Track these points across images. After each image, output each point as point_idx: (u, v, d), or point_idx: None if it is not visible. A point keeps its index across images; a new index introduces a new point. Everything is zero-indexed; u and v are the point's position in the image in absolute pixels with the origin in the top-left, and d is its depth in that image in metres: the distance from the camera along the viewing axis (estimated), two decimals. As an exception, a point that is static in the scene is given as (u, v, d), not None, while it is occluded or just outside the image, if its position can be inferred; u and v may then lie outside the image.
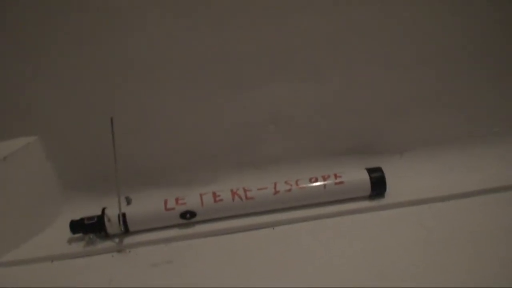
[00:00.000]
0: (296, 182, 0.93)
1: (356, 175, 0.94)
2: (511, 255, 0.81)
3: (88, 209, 0.92)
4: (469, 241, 0.85)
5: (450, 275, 0.79)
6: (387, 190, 0.94)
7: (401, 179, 0.96)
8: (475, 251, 0.83)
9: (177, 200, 0.91)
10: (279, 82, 0.96)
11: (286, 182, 0.93)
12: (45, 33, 0.86)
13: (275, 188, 0.92)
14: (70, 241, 0.92)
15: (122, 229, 0.90)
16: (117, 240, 0.91)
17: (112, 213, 0.90)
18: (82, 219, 0.91)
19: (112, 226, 0.90)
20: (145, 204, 0.92)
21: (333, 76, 0.96)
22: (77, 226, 0.90)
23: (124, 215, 0.90)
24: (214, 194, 0.92)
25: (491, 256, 0.81)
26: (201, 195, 0.92)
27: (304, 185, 0.93)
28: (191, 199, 0.92)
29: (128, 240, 0.91)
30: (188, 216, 0.91)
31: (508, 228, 0.87)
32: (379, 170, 0.94)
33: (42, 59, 0.88)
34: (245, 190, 0.92)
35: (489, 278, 0.77)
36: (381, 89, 0.99)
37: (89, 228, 0.90)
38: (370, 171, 0.94)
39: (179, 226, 0.93)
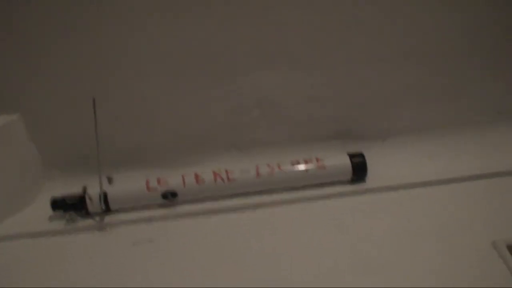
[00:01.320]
0: (278, 165, 0.94)
1: (338, 160, 0.95)
2: (488, 241, 0.82)
3: (69, 188, 0.92)
4: (447, 227, 0.86)
5: (428, 260, 0.80)
6: (368, 175, 0.95)
7: (382, 165, 0.97)
8: (452, 237, 0.84)
9: (159, 180, 0.92)
10: (265, 70, 0.96)
11: (268, 165, 0.93)
12: (29, 11, 0.86)
13: (257, 170, 0.93)
14: (51, 218, 0.92)
15: (103, 208, 0.90)
16: (98, 218, 0.91)
17: (94, 192, 0.90)
18: (63, 197, 0.90)
19: (93, 204, 0.90)
20: (127, 184, 0.92)
21: (318, 64, 0.97)
22: (58, 204, 0.90)
23: (105, 194, 0.90)
24: (196, 175, 0.92)
25: (469, 241, 0.83)
26: (183, 176, 0.92)
27: (286, 168, 0.93)
28: (173, 180, 0.92)
29: (109, 218, 0.91)
30: (169, 197, 0.91)
31: (486, 215, 0.88)
32: (360, 155, 0.95)
33: (25, 39, 0.88)
34: (227, 172, 0.93)
35: (467, 264, 0.79)
36: (365, 78, 0.99)
37: (70, 206, 0.90)
38: (351, 156, 0.95)
39: (160, 206, 0.93)
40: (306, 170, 0.93)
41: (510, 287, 0.74)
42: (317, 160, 0.94)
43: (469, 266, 0.79)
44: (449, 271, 0.78)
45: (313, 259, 0.82)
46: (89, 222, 0.91)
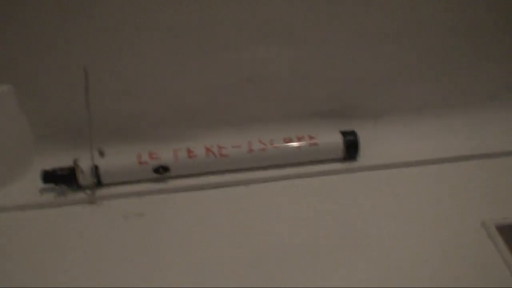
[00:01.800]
0: (271, 141, 0.94)
1: (330, 137, 0.95)
2: (477, 221, 0.83)
3: (61, 161, 0.91)
4: (437, 206, 0.87)
5: (416, 239, 0.81)
6: (360, 153, 0.96)
7: (374, 144, 0.98)
8: (442, 216, 0.85)
9: (150, 154, 0.91)
10: (259, 45, 0.95)
11: (260, 141, 0.93)
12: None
13: (249, 146, 0.93)
14: (42, 191, 0.91)
15: (95, 181, 0.89)
16: (89, 192, 0.91)
17: (85, 165, 0.89)
18: (54, 170, 0.90)
19: (85, 178, 0.89)
20: (119, 157, 0.92)
21: (313, 41, 0.96)
22: (49, 177, 0.90)
23: (96, 167, 0.89)
24: (188, 150, 0.92)
25: (458, 221, 0.84)
26: (175, 150, 0.92)
27: (278, 145, 0.94)
28: (165, 154, 0.92)
29: (100, 192, 0.91)
30: (161, 171, 0.91)
31: (476, 195, 0.89)
32: (353, 133, 0.95)
33: (16, 10, 0.86)
34: (219, 147, 0.92)
35: (455, 243, 0.80)
36: (359, 56, 0.99)
37: (61, 179, 0.90)
38: (344, 134, 0.95)
39: (152, 180, 0.93)
40: (299, 147, 0.93)
41: (498, 267, 0.76)
42: (310, 137, 0.94)
43: (457, 245, 0.80)
44: (437, 250, 0.79)
45: (303, 233, 0.83)
46: (80, 195, 0.91)
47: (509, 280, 0.74)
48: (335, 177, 0.94)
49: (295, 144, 0.94)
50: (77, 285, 0.75)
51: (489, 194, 0.89)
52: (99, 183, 0.91)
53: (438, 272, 0.75)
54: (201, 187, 0.93)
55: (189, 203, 0.90)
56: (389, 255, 0.78)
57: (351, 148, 0.95)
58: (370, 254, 0.79)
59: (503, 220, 0.82)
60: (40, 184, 0.90)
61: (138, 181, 0.93)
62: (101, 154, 0.91)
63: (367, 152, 0.96)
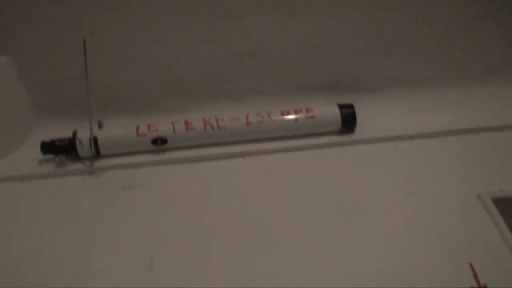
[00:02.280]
0: (268, 114, 0.94)
1: (328, 110, 0.95)
2: (473, 194, 0.84)
3: (60, 132, 0.92)
4: (433, 179, 0.88)
5: (412, 210, 0.82)
6: (357, 126, 0.96)
7: (371, 117, 0.98)
8: (438, 189, 0.86)
9: (149, 126, 0.92)
10: (257, 15, 0.95)
11: (258, 114, 0.94)
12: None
13: (247, 119, 0.93)
14: (40, 162, 0.92)
15: (93, 152, 0.90)
16: (88, 163, 0.92)
17: (84, 136, 0.90)
18: (53, 141, 0.91)
19: (83, 149, 0.90)
20: (117, 129, 0.93)
21: (311, 13, 0.96)
22: (48, 148, 0.90)
23: (95, 138, 0.90)
24: (186, 122, 0.92)
25: (454, 194, 0.84)
26: (173, 122, 0.92)
27: (276, 118, 0.94)
28: (163, 126, 0.92)
29: (99, 163, 0.92)
30: (159, 143, 0.91)
31: (472, 168, 0.90)
32: (350, 106, 0.96)
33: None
34: (217, 120, 0.93)
35: (451, 216, 0.81)
36: (358, 29, 0.99)
37: (60, 149, 0.90)
38: (341, 107, 0.95)
39: (150, 152, 0.93)
40: (296, 120, 0.94)
41: (494, 239, 0.76)
42: (307, 110, 0.94)
43: (453, 218, 0.81)
44: (433, 222, 0.80)
45: (299, 204, 0.84)
46: (79, 166, 0.91)
47: (504, 252, 0.75)
48: (332, 149, 0.95)
49: (292, 116, 0.94)
50: (76, 253, 0.77)
51: (486, 167, 0.90)
52: (97, 154, 0.91)
53: (434, 243, 0.76)
54: (199, 159, 0.93)
55: (186, 175, 0.91)
56: (383, 226, 0.79)
57: (348, 121, 0.95)
58: (364, 223, 0.80)
59: (499, 193, 0.83)
60: (39, 155, 0.91)
61: (137, 153, 0.93)
62: (100, 125, 0.91)
63: (364, 126, 0.96)
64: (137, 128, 0.92)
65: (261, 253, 0.76)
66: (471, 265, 0.73)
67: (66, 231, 0.81)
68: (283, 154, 0.94)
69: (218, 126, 0.93)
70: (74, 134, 0.90)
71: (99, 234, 0.80)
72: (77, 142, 0.90)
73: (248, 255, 0.76)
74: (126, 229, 0.80)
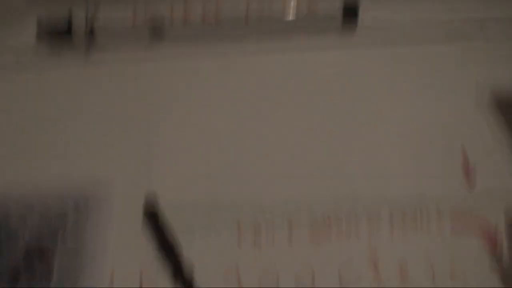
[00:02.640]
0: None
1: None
2: (470, 104, 0.83)
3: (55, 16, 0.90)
4: (436, 84, 0.86)
5: (414, 116, 0.82)
6: (359, 27, 0.92)
7: (375, 18, 0.95)
8: (433, 97, 0.85)
9: (146, 16, 0.90)
10: None
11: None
12: None
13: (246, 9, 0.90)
14: (35, 49, 0.90)
15: (89, 37, 0.89)
16: (84, 52, 0.90)
17: (80, 24, 0.88)
18: (49, 26, 0.89)
19: (79, 36, 0.89)
20: (114, 18, 0.90)
21: None
22: (43, 32, 0.89)
23: (92, 26, 0.88)
24: (184, 14, 0.90)
25: (461, 101, 0.84)
26: (171, 13, 0.90)
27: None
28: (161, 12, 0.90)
29: (96, 56, 0.90)
30: (156, 33, 0.90)
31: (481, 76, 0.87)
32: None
33: None
34: (215, 13, 0.90)
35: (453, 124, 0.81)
36: None
37: (56, 36, 0.89)
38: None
39: (147, 47, 0.91)
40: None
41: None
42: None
43: (451, 125, 0.81)
44: (435, 129, 0.80)
45: (295, 106, 0.84)
46: (74, 57, 0.90)
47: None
48: (332, 52, 0.93)
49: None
50: (73, 144, 0.78)
51: (489, 75, 0.87)
52: (93, 44, 0.90)
53: (433, 146, 0.78)
54: (196, 55, 0.91)
55: (183, 70, 0.89)
56: (382, 132, 0.80)
57: (350, 13, 0.91)
58: (364, 132, 0.81)
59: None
60: (33, 39, 0.89)
61: (134, 49, 0.91)
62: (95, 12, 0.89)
63: (366, 26, 0.93)
64: (134, 19, 0.90)
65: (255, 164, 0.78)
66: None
67: (62, 122, 0.82)
68: (282, 54, 0.91)
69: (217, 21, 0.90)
70: (70, 13, 0.89)
71: (98, 127, 0.81)
72: (72, 27, 0.88)
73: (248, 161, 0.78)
74: (123, 120, 0.82)
